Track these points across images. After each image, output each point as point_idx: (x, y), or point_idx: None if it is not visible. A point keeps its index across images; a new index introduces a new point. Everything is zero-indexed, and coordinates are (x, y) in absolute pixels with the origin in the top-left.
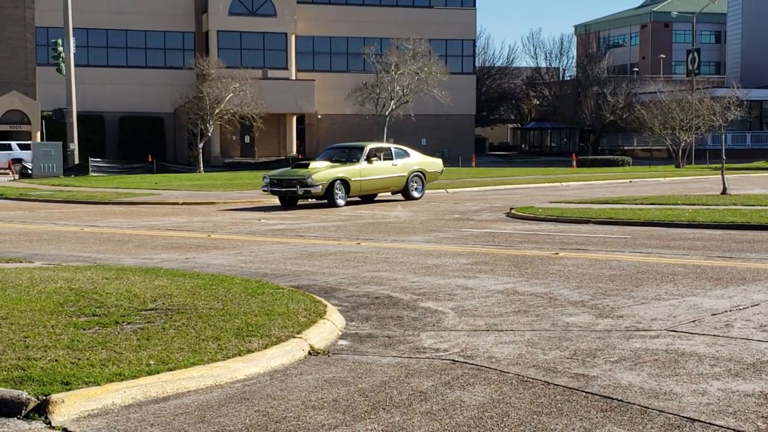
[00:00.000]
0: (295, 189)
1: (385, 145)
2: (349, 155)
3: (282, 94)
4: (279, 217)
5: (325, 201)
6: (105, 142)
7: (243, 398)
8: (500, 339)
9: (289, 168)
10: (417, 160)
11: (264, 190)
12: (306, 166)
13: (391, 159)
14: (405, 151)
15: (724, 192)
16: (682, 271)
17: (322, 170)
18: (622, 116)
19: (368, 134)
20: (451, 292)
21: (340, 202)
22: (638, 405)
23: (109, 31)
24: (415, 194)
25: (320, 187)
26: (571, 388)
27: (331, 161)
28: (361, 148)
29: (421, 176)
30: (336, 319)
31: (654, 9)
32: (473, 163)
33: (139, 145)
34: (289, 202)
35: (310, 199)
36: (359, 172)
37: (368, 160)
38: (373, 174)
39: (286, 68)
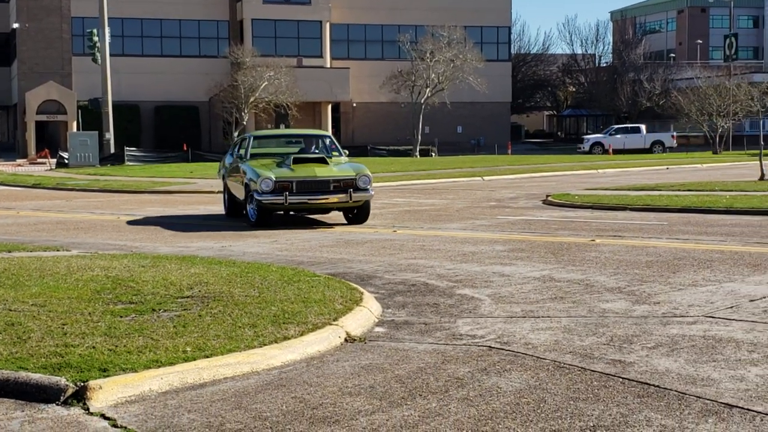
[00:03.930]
0: (341, 196)
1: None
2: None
3: (317, 82)
4: None
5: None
6: (140, 132)
7: (279, 385)
8: (537, 325)
9: (284, 168)
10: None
11: (270, 202)
12: (320, 160)
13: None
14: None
15: (762, 178)
16: (719, 258)
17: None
18: (659, 102)
19: (403, 122)
20: (487, 279)
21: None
22: (675, 391)
23: (143, 21)
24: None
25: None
26: (607, 374)
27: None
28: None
29: None
30: (372, 306)
31: None
32: (509, 151)
33: (174, 134)
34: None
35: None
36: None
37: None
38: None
39: (320, 56)
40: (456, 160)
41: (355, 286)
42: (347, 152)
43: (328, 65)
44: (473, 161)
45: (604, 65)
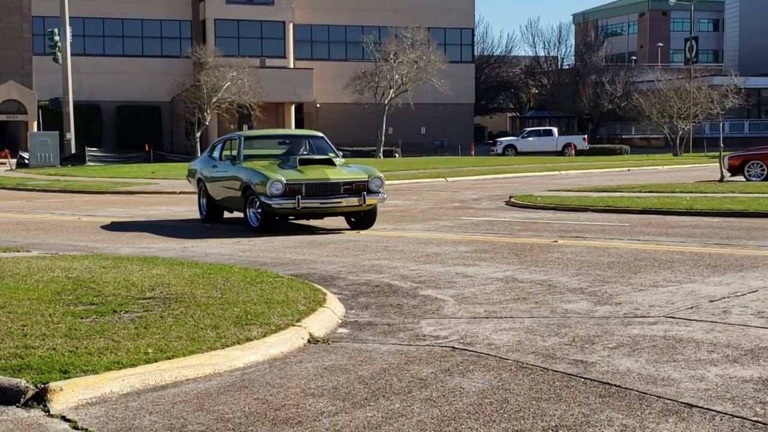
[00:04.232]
0: (355, 199)
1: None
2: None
3: (280, 82)
4: None
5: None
6: (101, 132)
7: (242, 386)
8: (500, 326)
9: (291, 170)
10: None
11: (280, 206)
12: (327, 162)
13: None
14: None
15: (721, 180)
16: (680, 258)
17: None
18: (620, 105)
19: (367, 123)
20: (450, 279)
21: None
22: (636, 391)
23: (105, 20)
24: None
25: (385, 194)
26: (569, 374)
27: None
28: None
29: None
30: (336, 307)
31: None
32: (472, 152)
33: (135, 134)
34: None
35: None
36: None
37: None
38: None
39: (284, 57)
40: (420, 161)
41: (318, 287)
42: (341, 153)
43: (292, 66)
44: (437, 162)
45: (567, 67)
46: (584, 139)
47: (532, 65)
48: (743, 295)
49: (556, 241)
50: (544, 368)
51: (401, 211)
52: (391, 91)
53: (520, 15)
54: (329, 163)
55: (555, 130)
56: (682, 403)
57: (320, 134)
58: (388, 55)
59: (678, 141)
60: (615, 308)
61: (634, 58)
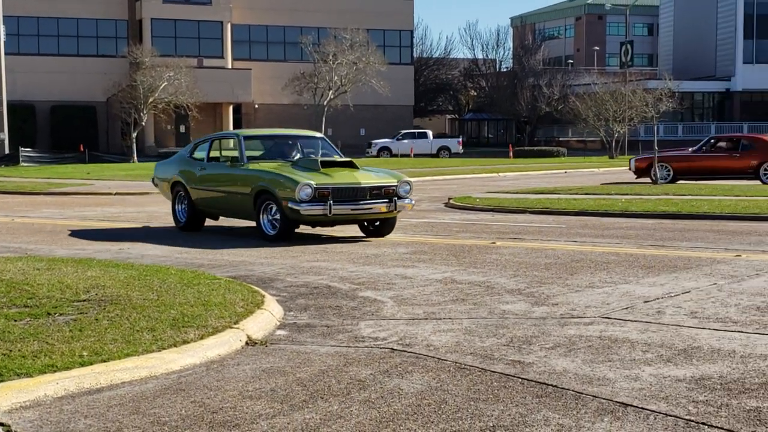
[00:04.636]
0: (386, 205)
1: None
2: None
3: (218, 83)
4: None
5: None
6: (36, 132)
7: (179, 389)
8: (438, 327)
9: (317, 173)
10: None
11: (309, 213)
12: (349, 164)
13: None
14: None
15: (655, 182)
16: (615, 260)
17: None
18: (558, 108)
19: (306, 124)
20: (389, 281)
21: None
22: (572, 390)
23: (40, 19)
24: None
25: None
26: (507, 375)
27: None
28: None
29: None
30: (274, 309)
31: (588, 1)
32: (412, 154)
33: (71, 134)
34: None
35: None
36: None
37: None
38: None
39: (222, 57)
40: (359, 163)
41: (257, 289)
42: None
43: (230, 66)
44: (375, 164)
45: (505, 70)
46: (459, 142)
47: (470, 68)
48: (677, 295)
49: (494, 243)
50: (482, 369)
51: None
52: (330, 92)
53: (459, 17)
54: (352, 165)
55: (430, 133)
56: (617, 402)
57: (320, 135)
58: (327, 57)
59: (614, 144)
60: (552, 309)
61: (571, 61)
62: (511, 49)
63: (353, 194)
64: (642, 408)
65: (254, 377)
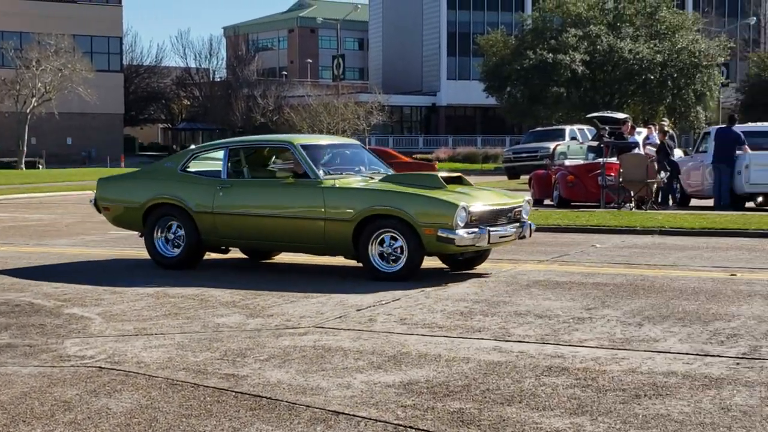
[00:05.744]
0: (518, 229)
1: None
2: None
3: None
4: None
5: None
6: None
7: None
8: (149, 343)
9: (454, 193)
10: None
11: (464, 241)
12: (460, 180)
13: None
14: None
15: None
16: (329, 270)
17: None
18: (273, 119)
19: (8, 133)
20: (98, 296)
21: None
22: (286, 401)
23: None
24: None
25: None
26: (221, 389)
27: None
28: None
29: None
30: None
31: (300, 14)
32: (122, 164)
33: None
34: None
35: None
36: None
37: None
38: None
39: None
40: (65, 173)
41: None
42: None
43: None
44: (84, 174)
45: (219, 80)
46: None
47: (183, 76)
48: (387, 303)
49: (209, 255)
50: (195, 384)
51: (45, 226)
52: (34, 99)
53: (170, 26)
54: (462, 181)
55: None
56: (329, 411)
57: (358, 142)
58: (30, 62)
59: None
60: (267, 320)
61: (285, 73)
62: (225, 59)
63: (499, 217)
64: (353, 415)
65: None
